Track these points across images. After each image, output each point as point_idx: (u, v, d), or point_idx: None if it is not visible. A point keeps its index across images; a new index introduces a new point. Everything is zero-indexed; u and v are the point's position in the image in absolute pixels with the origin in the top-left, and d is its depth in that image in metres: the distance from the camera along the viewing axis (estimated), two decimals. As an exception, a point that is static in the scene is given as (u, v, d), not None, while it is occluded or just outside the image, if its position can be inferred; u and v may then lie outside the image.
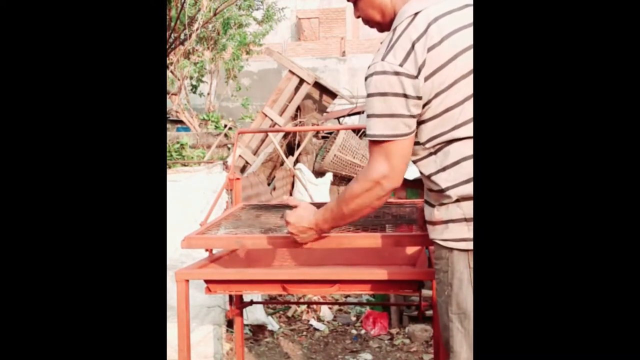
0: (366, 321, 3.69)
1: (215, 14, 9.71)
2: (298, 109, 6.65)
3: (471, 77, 1.28)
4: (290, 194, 6.22)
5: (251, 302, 2.70)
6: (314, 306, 3.89)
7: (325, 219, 1.53)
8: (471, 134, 1.28)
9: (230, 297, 2.32)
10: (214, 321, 2.99)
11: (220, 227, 1.98)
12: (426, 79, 1.28)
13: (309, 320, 3.82)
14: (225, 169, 3.13)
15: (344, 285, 1.74)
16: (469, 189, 1.29)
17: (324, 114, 7.52)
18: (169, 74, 9.20)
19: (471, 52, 1.28)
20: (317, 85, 6.65)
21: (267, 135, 6.26)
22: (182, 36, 9.39)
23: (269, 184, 6.06)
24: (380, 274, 1.69)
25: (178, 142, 6.87)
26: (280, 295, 3.48)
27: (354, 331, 3.69)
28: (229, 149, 7.06)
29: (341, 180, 6.75)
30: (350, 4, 1.49)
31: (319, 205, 1.61)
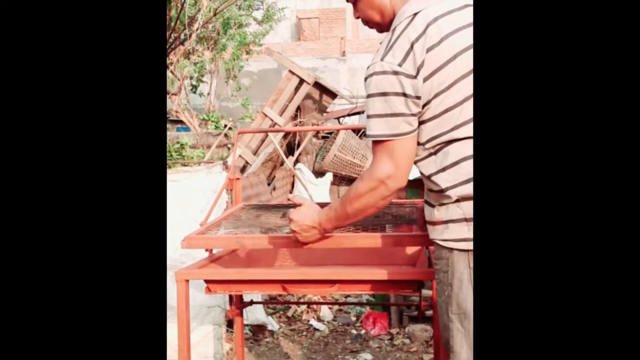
0: (366, 321, 3.69)
1: (215, 14, 9.71)
2: (298, 109, 6.65)
3: (471, 77, 1.28)
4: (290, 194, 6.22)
5: (251, 302, 2.70)
6: (314, 306, 3.89)
7: (329, 218, 1.52)
8: (471, 134, 1.28)
9: (230, 297, 2.32)
10: (214, 321, 2.99)
11: (220, 227, 1.98)
12: (425, 79, 1.28)
13: (309, 320, 3.82)
14: (225, 169, 3.14)
15: (344, 285, 1.74)
16: (468, 189, 1.29)
17: (324, 114, 7.52)
18: (169, 74, 9.20)
19: (471, 52, 1.28)
20: (317, 85, 6.65)
21: (267, 135, 6.26)
22: (182, 36, 9.39)
23: (269, 184, 6.06)
24: (380, 274, 1.69)
25: (178, 142, 6.87)
26: (280, 295, 3.48)
27: (354, 331, 3.69)
28: (229, 149, 7.06)
29: (341, 180, 6.75)
30: (350, 5, 1.49)
31: (321, 205, 1.61)
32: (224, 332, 3.04)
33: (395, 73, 1.28)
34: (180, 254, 2.68)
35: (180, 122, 9.31)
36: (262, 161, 6.26)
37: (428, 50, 1.27)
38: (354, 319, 3.85)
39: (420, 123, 1.33)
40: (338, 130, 6.63)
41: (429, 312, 2.94)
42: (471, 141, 1.28)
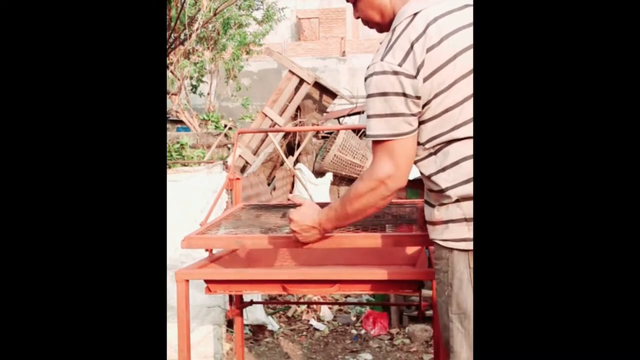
0: (366, 321, 3.69)
1: (215, 14, 9.71)
2: (298, 109, 6.65)
3: (470, 77, 1.28)
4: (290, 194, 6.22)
5: (251, 302, 2.70)
6: (314, 306, 3.89)
7: (329, 218, 1.52)
8: (471, 134, 1.28)
9: (230, 297, 2.32)
10: (214, 321, 2.99)
11: (220, 227, 1.98)
12: (425, 79, 1.28)
13: (309, 320, 3.82)
14: (225, 169, 3.14)
15: (344, 285, 1.74)
16: (468, 189, 1.29)
17: (324, 114, 7.52)
18: (169, 74, 9.20)
19: (470, 52, 1.28)
20: (317, 85, 6.65)
21: (267, 135, 6.25)
22: (182, 36, 9.39)
23: (269, 184, 6.06)
24: (380, 274, 1.69)
25: (178, 142, 6.87)
26: (280, 295, 3.48)
27: (354, 331, 3.69)
28: (229, 149, 7.06)
29: (341, 180, 6.75)
30: (350, 5, 1.49)
31: (321, 205, 1.61)
32: (224, 332, 3.04)
33: (395, 73, 1.28)
34: (180, 254, 2.68)
35: (180, 122, 9.31)
36: (262, 161, 6.26)
37: (428, 50, 1.27)
38: (354, 319, 3.85)
39: (420, 123, 1.33)
40: (338, 130, 6.63)
41: (429, 312, 2.94)
42: (471, 141, 1.28)
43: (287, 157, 6.35)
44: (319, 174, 6.46)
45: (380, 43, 1.38)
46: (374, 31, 1.52)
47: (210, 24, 10.10)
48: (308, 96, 6.61)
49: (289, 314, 3.92)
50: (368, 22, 1.48)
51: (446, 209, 1.34)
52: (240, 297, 2.34)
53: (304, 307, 3.90)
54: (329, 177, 6.36)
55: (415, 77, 1.28)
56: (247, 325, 3.47)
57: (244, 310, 2.69)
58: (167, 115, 9.12)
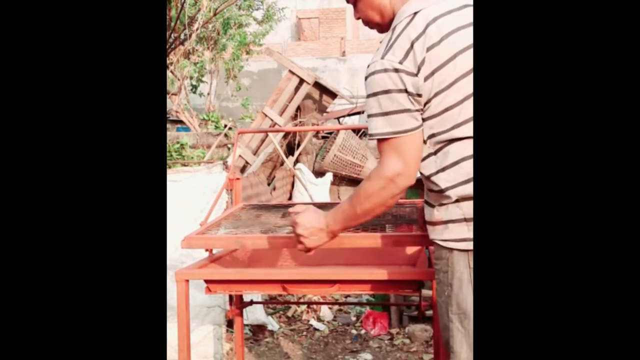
0: (366, 321, 3.69)
1: (215, 14, 9.71)
2: (298, 109, 6.65)
3: (470, 76, 1.28)
4: (290, 194, 6.22)
5: (251, 302, 2.70)
6: (314, 306, 3.89)
7: (337, 220, 1.48)
8: (470, 133, 1.28)
9: (230, 297, 2.32)
10: (214, 321, 2.99)
11: (220, 227, 1.98)
12: (426, 78, 1.28)
13: (309, 320, 3.82)
14: (225, 169, 3.14)
15: (344, 285, 1.74)
16: (468, 189, 1.29)
17: (324, 114, 7.52)
18: (169, 74, 9.20)
19: (470, 51, 1.28)
20: (317, 85, 6.65)
21: (267, 135, 6.25)
22: (182, 36, 9.39)
23: (269, 184, 6.06)
24: (380, 274, 1.68)
25: (178, 142, 6.87)
26: (280, 295, 3.48)
27: (354, 331, 3.69)
28: (229, 149, 7.06)
29: (341, 180, 6.75)
30: (351, 5, 1.49)
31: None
32: (224, 332, 3.04)
33: (397, 70, 1.28)
34: (180, 254, 2.68)
35: (180, 122, 9.31)
36: (262, 161, 6.26)
37: (428, 49, 1.28)
38: (354, 319, 3.85)
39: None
40: (338, 130, 6.63)
41: (429, 312, 2.94)
42: (471, 141, 1.28)
43: (287, 157, 6.35)
44: (319, 174, 6.46)
45: (380, 42, 1.38)
46: (374, 31, 1.52)
47: (210, 24, 10.10)
48: (308, 96, 6.61)
49: (289, 314, 3.92)
50: (368, 23, 1.49)
51: (446, 209, 1.34)
52: (240, 297, 2.34)
53: (304, 307, 3.90)
54: (329, 177, 6.35)
55: (416, 75, 1.28)
56: (247, 325, 3.47)
57: (244, 310, 2.69)
58: (167, 115, 9.12)
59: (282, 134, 6.45)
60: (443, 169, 1.33)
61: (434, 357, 1.88)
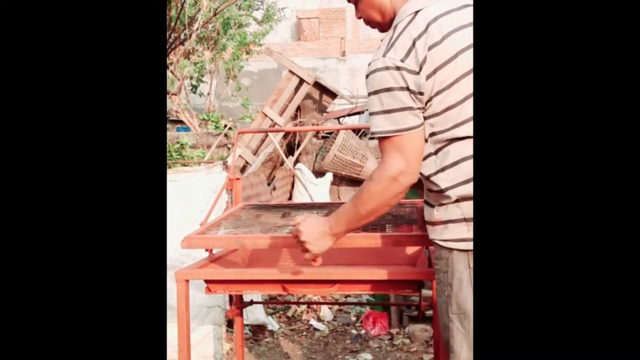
0: (366, 321, 3.69)
1: (215, 14, 9.71)
2: (298, 109, 6.65)
3: (471, 76, 1.28)
4: (290, 194, 6.22)
5: (251, 302, 2.70)
6: (314, 306, 3.88)
7: (340, 222, 1.45)
8: (471, 133, 1.28)
9: (230, 297, 2.32)
10: (214, 321, 2.99)
11: (220, 227, 1.98)
12: (427, 77, 1.28)
13: (309, 320, 3.82)
14: (225, 169, 3.14)
15: (344, 285, 1.74)
16: (468, 189, 1.29)
17: (324, 114, 7.52)
18: (169, 74, 9.20)
19: (471, 51, 1.28)
20: (317, 85, 6.64)
21: (267, 135, 6.25)
22: (182, 36, 9.39)
23: (269, 184, 6.06)
24: (380, 274, 1.68)
25: (178, 142, 6.87)
26: (280, 295, 3.48)
27: (354, 331, 3.69)
28: (229, 149, 7.06)
29: (341, 180, 6.75)
30: (351, 5, 1.49)
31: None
32: (224, 332, 3.04)
33: (398, 68, 1.28)
34: (180, 254, 2.68)
35: (180, 122, 9.31)
36: (262, 161, 6.26)
37: (430, 48, 1.28)
38: (354, 319, 3.85)
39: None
40: (338, 130, 6.62)
41: (429, 312, 2.94)
42: (471, 141, 1.28)
43: (287, 157, 6.34)
44: (319, 174, 6.46)
45: (382, 41, 1.38)
46: (374, 31, 1.52)
47: (210, 24, 10.09)
48: (308, 96, 6.61)
49: (289, 314, 3.92)
50: (369, 22, 1.49)
51: (445, 209, 1.34)
52: (240, 297, 2.34)
53: (304, 307, 3.90)
54: (329, 177, 6.35)
55: (418, 73, 1.27)
56: (247, 325, 3.47)
57: (244, 310, 2.69)
58: (167, 115, 9.13)
59: (282, 134, 6.45)
60: (443, 169, 1.33)
61: (434, 357, 1.88)
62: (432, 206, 1.38)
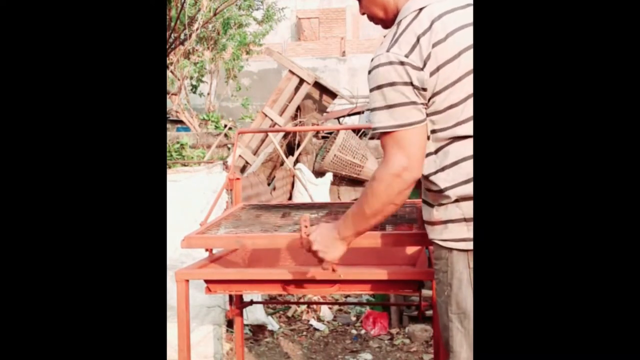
0: (366, 321, 3.69)
1: (215, 14, 9.71)
2: (298, 109, 6.65)
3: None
4: (290, 194, 6.22)
5: (251, 302, 2.70)
6: (314, 306, 3.88)
7: (347, 225, 1.42)
8: (472, 132, 1.28)
9: (230, 297, 2.32)
10: (214, 321, 2.99)
11: (220, 227, 1.98)
12: (431, 73, 1.27)
13: (309, 320, 3.82)
14: (225, 169, 3.13)
15: (344, 285, 1.74)
16: (468, 189, 1.29)
17: (324, 114, 7.52)
18: (169, 74, 9.20)
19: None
20: (317, 85, 6.65)
21: (267, 135, 6.25)
22: (182, 36, 9.39)
23: (269, 184, 6.06)
24: (380, 274, 1.69)
25: (178, 142, 6.87)
26: (280, 295, 3.48)
27: (354, 331, 3.69)
28: (229, 149, 7.06)
29: (341, 180, 6.75)
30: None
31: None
32: (224, 332, 3.04)
33: (402, 63, 1.27)
34: (180, 254, 2.68)
35: (180, 122, 9.31)
36: (262, 161, 6.26)
37: (434, 45, 1.27)
38: (354, 319, 3.85)
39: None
40: (338, 130, 6.62)
41: (429, 312, 2.93)
42: (471, 141, 1.28)
43: (287, 157, 6.35)
44: (319, 174, 6.46)
45: (385, 36, 1.38)
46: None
47: (210, 24, 10.10)
48: (308, 96, 6.61)
49: (289, 314, 3.92)
50: (372, 19, 1.49)
51: (445, 209, 1.34)
52: (240, 297, 2.34)
53: (304, 307, 3.90)
54: (329, 177, 6.35)
55: (421, 69, 1.27)
56: (247, 325, 3.47)
57: (244, 310, 2.69)
58: (167, 115, 9.13)
59: (282, 134, 6.45)
60: (442, 169, 1.33)
61: (434, 357, 1.88)
62: (432, 206, 1.38)
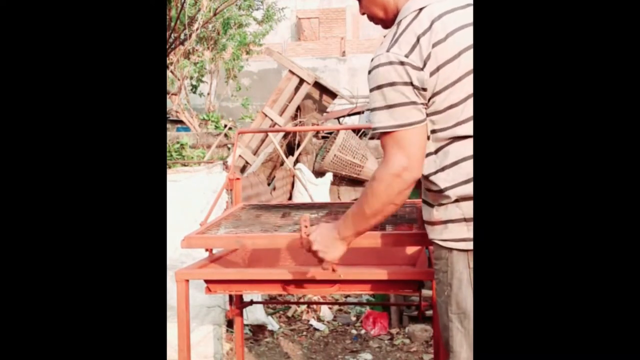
0: (366, 321, 3.69)
1: (215, 14, 9.71)
2: (298, 109, 6.65)
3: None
4: (290, 194, 6.22)
5: (251, 302, 2.70)
6: (314, 306, 3.88)
7: (347, 225, 1.42)
8: (471, 132, 1.28)
9: (230, 297, 2.32)
10: (214, 321, 2.99)
11: (220, 227, 1.98)
12: (431, 73, 1.27)
13: (309, 320, 3.82)
14: (225, 169, 3.14)
15: (344, 285, 1.74)
16: (468, 189, 1.29)
17: (324, 114, 7.52)
18: (169, 74, 9.20)
19: (473, 50, 1.28)
20: (317, 85, 6.65)
21: (267, 135, 6.25)
22: (182, 36, 9.39)
23: (269, 184, 6.06)
24: (380, 274, 1.69)
25: (178, 142, 6.87)
26: (280, 295, 3.48)
27: (354, 331, 3.69)
28: (229, 149, 7.06)
29: (341, 180, 6.75)
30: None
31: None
32: (224, 332, 3.04)
33: (402, 63, 1.27)
34: (180, 254, 2.68)
35: (180, 122, 9.32)
36: (262, 161, 6.26)
37: (434, 45, 1.27)
38: (354, 319, 3.85)
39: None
40: (338, 130, 6.62)
41: (429, 312, 2.93)
42: (471, 141, 1.28)
43: (287, 157, 6.35)
44: (319, 174, 6.46)
45: (384, 36, 1.38)
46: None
47: (210, 24, 10.10)
48: (308, 96, 6.61)
49: (289, 314, 3.92)
50: (372, 18, 1.49)
51: (445, 209, 1.34)
52: (240, 297, 2.34)
53: (304, 307, 3.90)
54: (329, 177, 6.35)
55: (421, 69, 1.27)
56: (247, 325, 3.47)
57: (244, 310, 2.69)
58: (167, 115, 9.13)
59: (282, 134, 6.45)
60: (442, 169, 1.33)
61: (434, 357, 1.88)
62: (432, 206, 1.38)
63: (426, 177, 1.37)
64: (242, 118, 10.64)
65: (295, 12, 18.84)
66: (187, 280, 1.81)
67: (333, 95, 7.07)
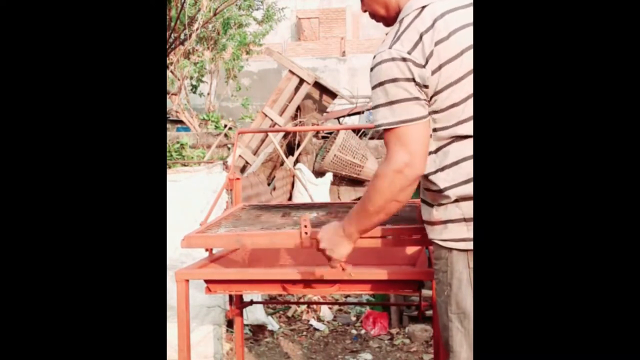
0: (366, 321, 3.69)
1: (215, 14, 9.72)
2: (298, 109, 6.65)
3: (474, 75, 1.28)
4: (290, 194, 6.22)
5: (251, 302, 2.70)
6: (314, 306, 3.88)
7: (351, 221, 1.43)
8: (472, 132, 1.28)
9: (230, 297, 2.32)
10: (214, 321, 2.99)
11: (220, 227, 1.98)
12: (433, 71, 1.27)
13: (309, 320, 3.82)
14: (225, 169, 3.13)
15: (344, 285, 1.74)
16: (468, 189, 1.29)
17: (324, 114, 7.52)
18: (169, 74, 9.21)
19: (475, 50, 1.28)
20: (317, 85, 6.65)
21: (267, 135, 6.26)
22: (182, 36, 9.40)
23: (269, 184, 6.06)
24: (380, 274, 1.69)
25: (178, 142, 6.87)
26: (280, 295, 3.48)
27: (354, 331, 3.69)
28: (229, 149, 7.06)
29: (341, 180, 6.75)
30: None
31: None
32: (224, 332, 3.04)
33: (404, 60, 1.27)
34: (180, 254, 2.68)
35: (180, 122, 9.32)
36: (262, 161, 6.26)
37: (437, 43, 1.27)
38: (354, 319, 3.85)
39: None
40: (338, 130, 6.62)
41: (429, 312, 2.93)
42: (471, 140, 1.28)
43: (287, 157, 6.35)
44: (319, 174, 6.46)
45: (386, 34, 1.38)
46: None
47: (210, 24, 10.10)
48: (308, 96, 6.61)
49: (289, 314, 3.92)
50: (374, 16, 1.49)
51: (445, 209, 1.34)
52: (240, 297, 2.34)
53: (304, 307, 3.90)
54: (329, 177, 6.35)
55: (424, 66, 1.27)
56: (247, 325, 3.47)
57: (244, 310, 2.68)
58: (167, 115, 9.13)
59: (282, 134, 6.45)
60: (442, 169, 1.32)
61: (434, 357, 1.88)
62: (431, 206, 1.37)
63: (426, 177, 1.36)
64: (242, 118, 10.64)
65: (295, 12, 18.84)
66: (187, 280, 1.81)
67: (333, 95, 7.07)
